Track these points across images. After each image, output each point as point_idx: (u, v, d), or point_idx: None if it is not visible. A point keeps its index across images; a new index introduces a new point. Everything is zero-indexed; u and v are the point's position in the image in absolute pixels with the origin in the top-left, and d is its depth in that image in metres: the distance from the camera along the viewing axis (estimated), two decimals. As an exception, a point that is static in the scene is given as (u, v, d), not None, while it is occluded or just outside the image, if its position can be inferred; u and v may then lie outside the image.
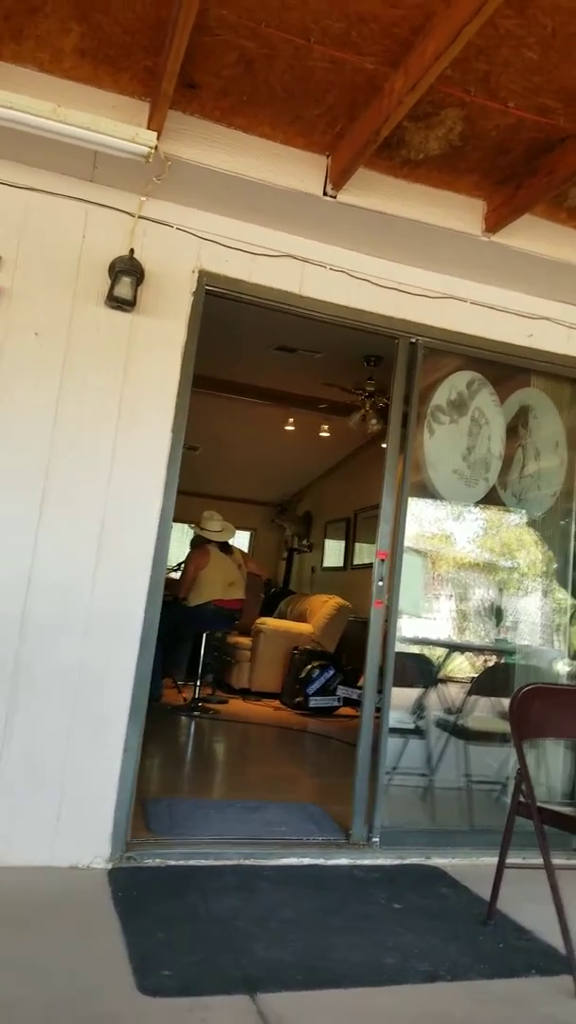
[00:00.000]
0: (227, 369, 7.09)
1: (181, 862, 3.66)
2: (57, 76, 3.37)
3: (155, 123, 3.33)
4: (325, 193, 3.70)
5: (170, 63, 2.94)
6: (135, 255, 3.70)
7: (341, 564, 10.76)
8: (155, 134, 3.28)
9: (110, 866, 3.53)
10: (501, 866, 3.37)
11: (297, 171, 3.67)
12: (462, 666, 4.88)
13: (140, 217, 3.80)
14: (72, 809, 3.51)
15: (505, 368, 4.65)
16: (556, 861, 3.09)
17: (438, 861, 4.06)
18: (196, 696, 7.60)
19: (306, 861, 3.86)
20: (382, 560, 4.23)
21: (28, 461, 3.59)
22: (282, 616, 9.97)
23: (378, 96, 3.22)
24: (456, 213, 3.92)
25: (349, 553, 10.53)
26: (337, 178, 3.65)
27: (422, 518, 4.55)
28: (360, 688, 4.53)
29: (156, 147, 3.29)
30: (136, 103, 3.45)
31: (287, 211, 3.87)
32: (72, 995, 2.49)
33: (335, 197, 3.71)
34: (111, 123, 3.24)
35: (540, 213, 3.98)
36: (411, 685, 4.60)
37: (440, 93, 3.18)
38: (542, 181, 3.58)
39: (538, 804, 3.20)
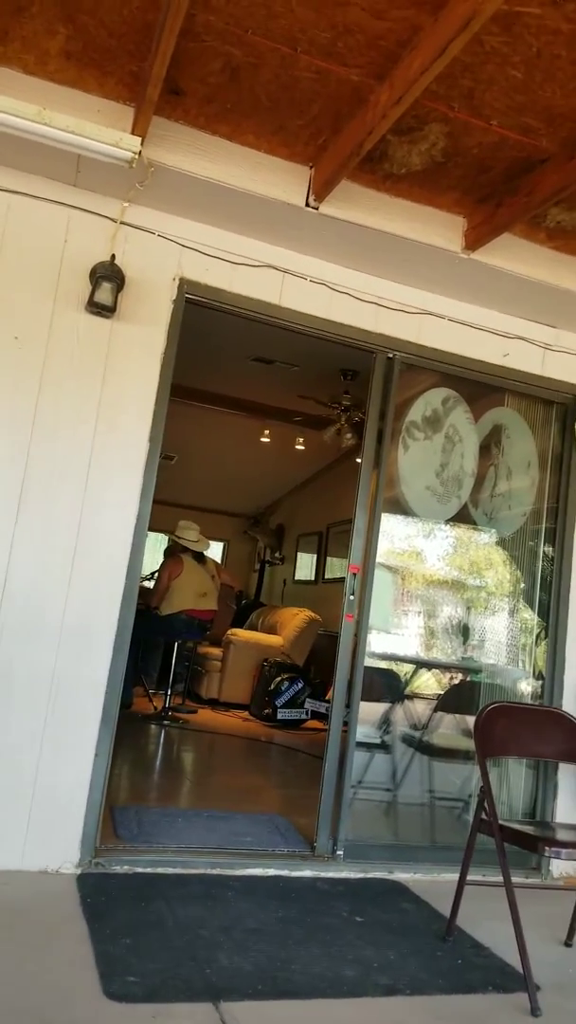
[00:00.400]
0: (204, 379, 7.08)
1: (148, 869, 3.64)
2: (42, 78, 3.36)
3: (139, 128, 3.32)
4: (307, 204, 3.71)
5: (156, 68, 2.93)
6: (116, 261, 3.70)
7: (312, 578, 10.76)
8: (139, 139, 3.28)
9: (79, 871, 3.50)
10: (462, 883, 3.36)
11: (280, 181, 3.68)
12: (429, 683, 4.88)
13: (122, 223, 3.79)
14: (43, 813, 3.48)
15: (480, 386, 4.67)
16: (515, 879, 3.09)
17: (400, 876, 4.05)
18: (166, 705, 7.56)
19: (271, 872, 3.84)
20: (354, 574, 4.22)
21: (5, 465, 3.56)
22: (253, 628, 9.94)
23: (363, 108, 3.23)
24: (436, 229, 3.94)
25: (321, 567, 10.52)
26: (320, 189, 3.66)
27: (394, 534, 4.55)
28: (328, 701, 4.52)
29: (140, 152, 3.29)
30: (121, 108, 3.44)
31: (269, 221, 3.88)
32: (39, 999, 2.49)
33: (317, 208, 3.72)
34: (95, 127, 3.23)
35: (519, 233, 4.02)
36: (378, 700, 4.59)
37: (424, 108, 3.19)
38: (522, 201, 3.61)
39: (499, 822, 3.21)
